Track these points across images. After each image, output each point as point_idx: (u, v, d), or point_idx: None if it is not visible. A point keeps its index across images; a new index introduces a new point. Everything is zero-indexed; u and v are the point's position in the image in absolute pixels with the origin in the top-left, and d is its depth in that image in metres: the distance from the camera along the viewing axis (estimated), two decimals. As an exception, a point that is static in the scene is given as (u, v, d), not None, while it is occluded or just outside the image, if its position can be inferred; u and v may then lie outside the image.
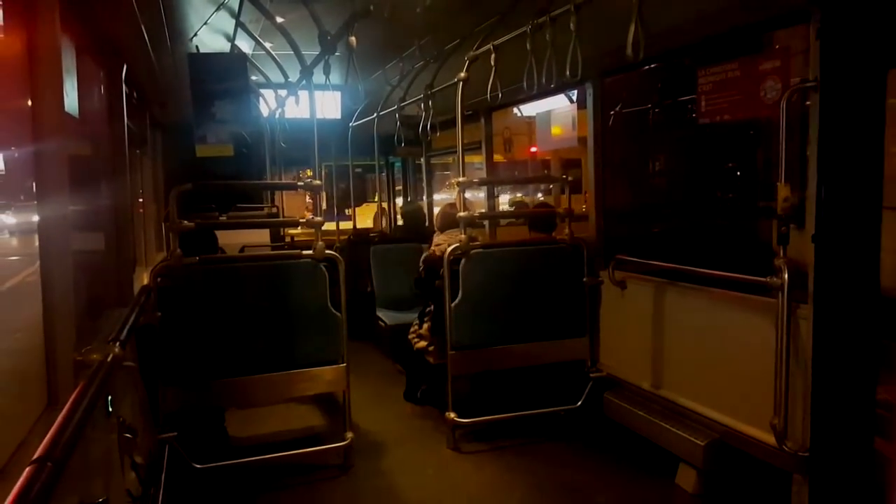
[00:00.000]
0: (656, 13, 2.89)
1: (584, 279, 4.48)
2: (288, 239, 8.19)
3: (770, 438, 2.91)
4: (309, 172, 13.24)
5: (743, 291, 3.26)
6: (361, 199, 10.43)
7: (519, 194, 13.08)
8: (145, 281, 3.66)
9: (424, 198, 8.74)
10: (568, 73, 3.35)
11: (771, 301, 2.90)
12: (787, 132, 2.74)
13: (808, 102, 2.72)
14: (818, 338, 2.68)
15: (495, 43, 4.00)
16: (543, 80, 3.59)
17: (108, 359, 1.98)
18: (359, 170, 9.32)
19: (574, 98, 5.22)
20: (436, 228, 5.41)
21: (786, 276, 2.76)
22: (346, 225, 7.98)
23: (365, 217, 9.97)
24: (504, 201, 11.09)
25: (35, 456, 1.32)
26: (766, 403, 2.90)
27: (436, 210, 7.14)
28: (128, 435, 2.34)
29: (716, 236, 4.77)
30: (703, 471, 3.46)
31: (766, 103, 3.10)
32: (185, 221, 3.58)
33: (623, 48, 2.85)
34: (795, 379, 2.83)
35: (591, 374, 4.44)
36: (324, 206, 9.85)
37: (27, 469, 1.26)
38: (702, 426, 3.52)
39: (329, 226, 8.91)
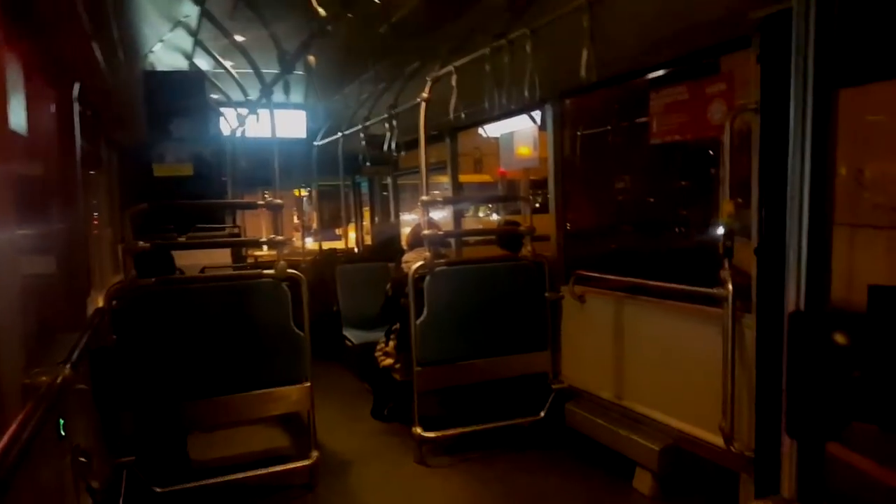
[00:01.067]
0: (608, 38, 3.00)
1: (546, 294, 4.55)
2: (251, 259, 8.12)
3: (719, 441, 3.04)
4: (299, 192, 13.21)
5: (693, 302, 3.38)
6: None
7: (509, 216, 13.29)
8: (100, 304, 3.61)
9: (392, 217, 8.77)
10: (527, 93, 3.43)
11: (719, 311, 3.03)
12: (732, 152, 2.85)
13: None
14: (761, 345, 2.80)
15: (456, 65, 4.08)
16: (504, 100, 3.68)
17: (58, 381, 1.96)
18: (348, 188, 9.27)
19: (537, 119, 5.32)
20: (405, 246, 5.44)
21: (730, 287, 2.89)
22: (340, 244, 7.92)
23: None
24: (496, 220, 11.21)
25: None
26: (715, 408, 3.01)
27: (405, 230, 7.17)
28: (82, 459, 2.30)
29: (673, 251, 4.89)
30: (659, 474, 3.57)
31: (713, 125, 3.22)
32: (141, 242, 3.55)
33: (578, 70, 2.95)
34: (741, 384, 2.96)
35: (554, 386, 4.52)
36: (314, 225, 9.83)
37: None
38: (657, 432, 3.64)
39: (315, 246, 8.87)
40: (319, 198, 9.45)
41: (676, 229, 5.24)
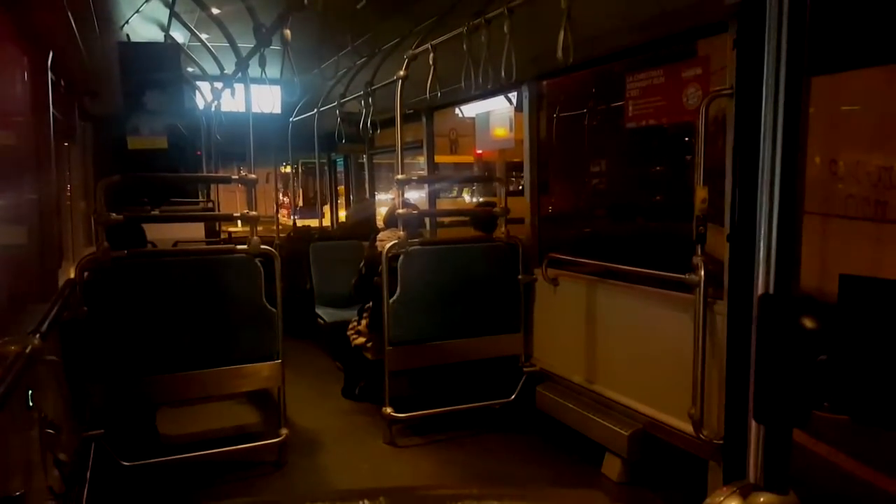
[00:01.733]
0: (585, 20, 3.00)
1: (519, 276, 4.58)
2: (225, 235, 8.05)
3: (688, 428, 3.07)
4: (285, 168, 13.09)
5: (666, 288, 3.41)
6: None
7: (483, 198, 13.31)
8: (72, 276, 3.56)
9: (367, 196, 8.74)
10: (504, 74, 3.43)
11: (691, 297, 3.05)
12: (706, 137, 2.89)
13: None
14: (732, 331, 2.83)
15: (433, 43, 4.06)
16: (481, 80, 3.67)
17: (27, 350, 1.94)
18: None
19: (513, 100, 5.32)
20: (381, 225, 5.43)
21: (702, 273, 2.91)
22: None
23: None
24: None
25: None
26: (685, 395, 3.05)
27: (381, 209, 7.15)
28: (50, 431, 2.29)
29: (648, 237, 4.95)
30: (628, 460, 3.61)
31: (688, 109, 3.25)
32: (114, 214, 3.50)
33: (554, 52, 2.95)
34: (711, 371, 2.99)
35: (525, 369, 4.55)
36: (300, 202, 9.75)
37: None
38: (627, 417, 3.68)
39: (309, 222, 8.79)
40: (305, 175, 9.40)
41: (650, 214, 5.29)
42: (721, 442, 2.94)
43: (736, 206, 2.70)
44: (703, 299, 2.94)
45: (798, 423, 0.96)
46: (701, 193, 2.84)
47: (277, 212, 9.58)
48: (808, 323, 0.92)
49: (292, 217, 9.54)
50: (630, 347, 3.74)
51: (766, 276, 0.96)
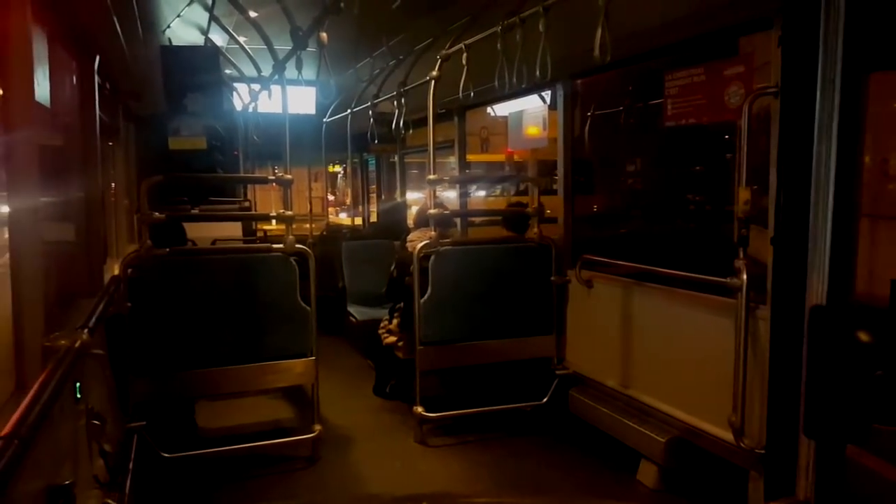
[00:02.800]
0: (623, 17, 2.97)
1: (552, 278, 4.55)
2: (261, 234, 8.15)
3: (728, 435, 2.98)
4: (332, 167, 13.33)
5: (705, 292, 3.33)
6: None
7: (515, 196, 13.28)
8: (116, 272, 3.66)
9: (398, 196, 8.77)
10: (538, 73, 3.41)
11: (732, 301, 2.97)
12: (749, 136, 2.83)
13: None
14: (775, 338, 2.75)
15: (467, 42, 4.06)
16: (514, 80, 3.66)
17: (76, 345, 1.99)
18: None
19: (547, 98, 5.29)
20: (411, 225, 5.45)
21: (744, 276, 2.82)
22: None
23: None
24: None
25: (2, 433, 1.34)
26: (725, 401, 2.96)
27: (412, 209, 7.18)
28: (96, 422, 2.35)
29: (687, 238, 4.88)
30: (664, 467, 3.54)
31: (730, 108, 3.19)
32: (156, 213, 3.59)
33: (591, 50, 2.93)
34: (753, 378, 2.90)
35: (557, 372, 4.51)
36: (347, 201, 9.85)
37: None
38: (663, 423, 3.61)
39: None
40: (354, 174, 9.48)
41: (688, 215, 5.22)
42: (762, 451, 2.84)
43: (781, 208, 2.64)
44: (745, 304, 2.85)
45: (854, 439, 0.94)
46: (743, 194, 2.77)
47: (339, 212, 9.65)
48: (864, 336, 0.90)
49: (339, 216, 9.59)
50: (667, 352, 3.67)
51: (819, 286, 0.94)
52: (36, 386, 1.64)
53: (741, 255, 2.86)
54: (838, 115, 1.00)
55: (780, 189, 2.67)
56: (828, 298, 0.96)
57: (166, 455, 3.63)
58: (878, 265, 2.40)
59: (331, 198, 14.88)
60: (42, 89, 2.14)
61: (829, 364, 0.95)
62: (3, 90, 1.84)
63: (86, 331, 2.15)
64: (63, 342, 1.98)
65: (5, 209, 1.87)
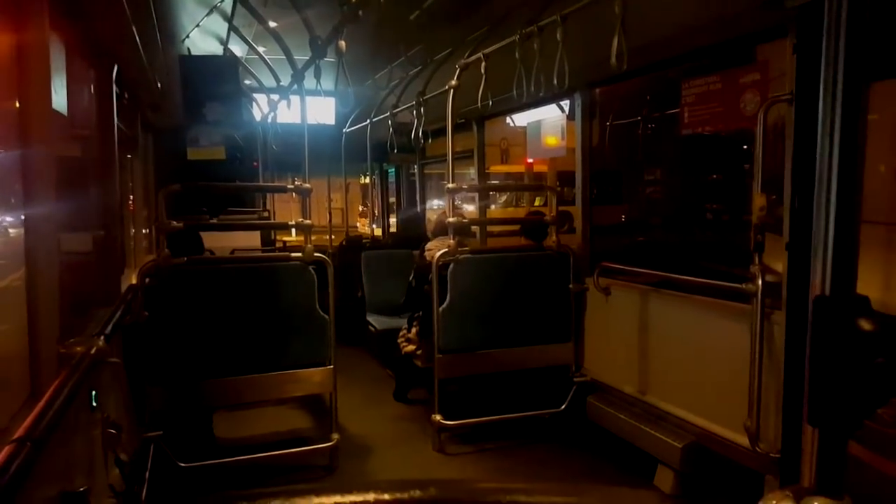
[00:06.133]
0: (639, 26, 2.96)
1: (570, 286, 4.54)
2: (280, 244, 8.22)
3: (744, 440, 2.99)
4: (363, 178, 13.52)
5: (722, 298, 3.32)
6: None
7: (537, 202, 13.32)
8: (134, 282, 3.70)
9: (418, 205, 8.80)
10: (556, 82, 3.41)
11: (747, 307, 2.97)
12: (764, 144, 2.81)
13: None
14: (790, 343, 2.74)
15: (485, 52, 4.07)
16: (532, 89, 3.66)
17: (92, 351, 2.02)
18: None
19: (566, 108, 5.28)
20: (429, 234, 5.46)
21: (760, 282, 2.82)
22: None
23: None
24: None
25: (15, 436, 1.35)
26: (741, 407, 2.96)
27: (431, 217, 7.20)
28: (112, 431, 2.37)
29: (703, 246, 4.84)
30: (681, 472, 3.53)
31: (746, 115, 3.17)
32: (174, 222, 3.62)
33: (608, 59, 2.92)
34: (768, 383, 2.90)
35: (575, 379, 4.50)
36: (376, 211, 9.93)
37: (7, 447, 1.29)
38: (680, 429, 3.60)
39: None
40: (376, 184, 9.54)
41: (706, 224, 5.18)
42: (778, 455, 2.86)
43: (795, 214, 2.62)
44: (760, 309, 2.85)
45: (853, 426, 0.93)
46: (759, 201, 2.76)
47: (371, 222, 9.72)
48: (865, 325, 0.89)
49: (372, 228, 9.67)
50: (684, 358, 3.65)
51: (822, 277, 0.93)
52: (50, 391, 1.66)
53: (756, 260, 2.85)
54: (839, 122, 0.99)
55: (794, 195, 2.65)
56: (830, 291, 0.95)
57: (183, 465, 3.64)
58: (894, 273, 2.36)
59: (363, 208, 15.11)
60: (59, 98, 2.18)
61: (831, 352, 0.94)
62: (20, 97, 1.87)
63: (101, 338, 2.18)
64: (78, 349, 2.00)
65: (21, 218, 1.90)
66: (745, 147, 4.42)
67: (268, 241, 7.96)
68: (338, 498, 0.69)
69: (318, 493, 0.69)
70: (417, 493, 0.70)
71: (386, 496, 0.70)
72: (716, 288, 3.35)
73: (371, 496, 0.70)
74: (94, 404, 2.22)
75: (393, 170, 9.79)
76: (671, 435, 3.58)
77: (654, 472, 3.69)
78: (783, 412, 2.81)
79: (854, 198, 0.99)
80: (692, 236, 5.13)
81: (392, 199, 10.00)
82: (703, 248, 4.81)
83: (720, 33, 3.21)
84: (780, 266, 2.89)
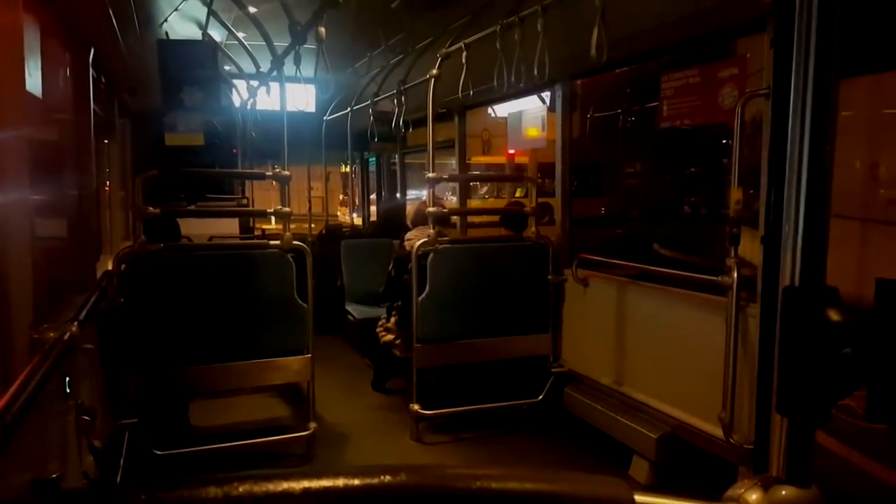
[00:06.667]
0: (619, 18, 2.98)
1: (549, 277, 4.56)
2: (258, 231, 8.17)
3: (718, 432, 3.02)
4: (343, 167, 13.37)
5: (698, 290, 3.36)
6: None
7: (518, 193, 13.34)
8: (110, 268, 3.65)
9: (398, 195, 8.78)
10: (536, 73, 3.42)
11: (723, 300, 3.00)
12: (742, 138, 2.84)
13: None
14: (765, 335, 2.78)
15: (467, 41, 4.06)
16: (513, 79, 3.66)
17: (66, 337, 1.99)
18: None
19: (547, 100, 5.30)
20: (409, 224, 5.46)
21: (735, 275, 2.86)
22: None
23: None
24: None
25: None
26: (716, 398, 3.00)
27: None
28: (86, 418, 2.35)
29: (680, 239, 4.89)
30: (656, 463, 3.57)
31: (724, 109, 3.20)
32: (151, 208, 3.58)
33: (588, 51, 2.94)
34: (743, 375, 2.94)
35: (553, 369, 4.53)
36: (356, 200, 9.86)
37: None
38: (656, 420, 3.64)
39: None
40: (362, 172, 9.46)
41: (684, 216, 5.24)
42: (751, 446, 2.89)
43: (771, 208, 2.65)
44: (735, 302, 2.89)
45: (820, 415, 0.95)
46: (735, 195, 2.80)
47: (352, 211, 9.65)
48: (834, 315, 0.91)
49: (351, 215, 9.62)
50: (660, 349, 3.70)
51: (792, 268, 0.95)
52: (22, 376, 1.64)
53: (732, 253, 2.88)
54: (810, 118, 1.01)
55: (770, 189, 2.69)
56: (800, 281, 0.97)
57: (158, 452, 3.62)
58: (868, 267, 2.41)
59: (343, 197, 14.99)
60: (34, 81, 2.14)
61: (798, 342, 0.96)
62: None
63: (75, 324, 2.15)
64: (52, 335, 1.98)
65: None
66: (724, 141, 4.47)
67: (246, 229, 7.90)
68: (306, 483, 0.69)
69: (288, 478, 0.69)
70: (387, 479, 0.70)
71: (356, 482, 0.70)
72: (692, 280, 3.38)
73: (341, 481, 0.70)
74: (68, 391, 2.20)
75: (374, 159, 9.75)
76: (647, 426, 3.62)
77: (630, 463, 3.74)
78: (757, 404, 2.85)
79: (823, 191, 1.01)
80: (670, 229, 5.18)
81: (373, 190, 9.96)
82: (680, 241, 4.87)
83: (699, 27, 3.23)
84: (754, 258, 2.93)
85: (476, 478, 0.75)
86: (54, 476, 1.82)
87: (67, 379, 2.17)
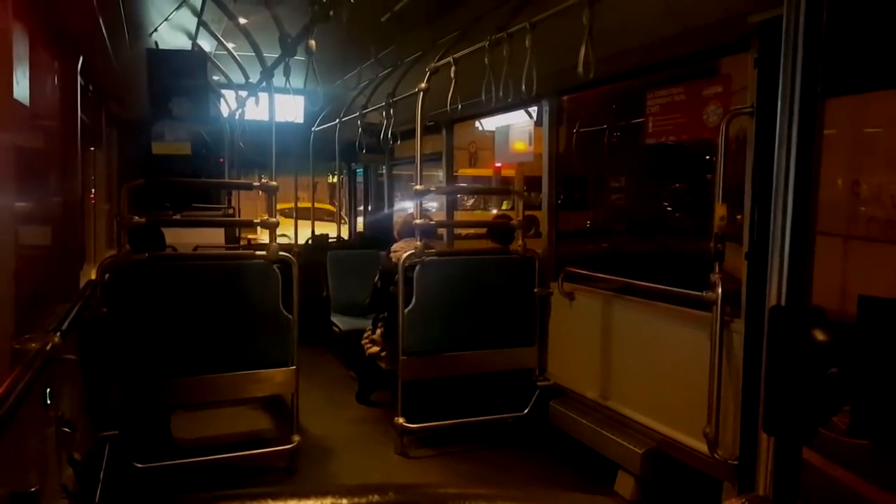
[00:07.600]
0: (606, 36, 3.01)
1: (535, 290, 4.57)
2: (244, 241, 8.13)
3: (703, 447, 3.03)
4: (331, 177, 13.32)
5: (683, 305, 3.38)
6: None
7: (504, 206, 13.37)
8: (93, 277, 3.62)
9: (385, 207, 8.78)
10: (524, 88, 3.44)
11: (708, 315, 3.02)
12: (726, 155, 2.88)
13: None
14: (749, 350, 2.80)
15: (455, 56, 4.09)
16: (501, 94, 3.69)
17: (47, 348, 1.97)
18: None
19: (534, 114, 5.33)
20: (396, 235, 5.46)
21: (719, 290, 2.89)
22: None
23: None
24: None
25: None
26: (700, 413, 3.01)
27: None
28: (66, 430, 2.32)
29: (665, 254, 4.92)
30: (641, 478, 3.56)
31: (708, 127, 3.25)
32: (136, 217, 3.55)
33: (575, 67, 2.96)
34: (727, 390, 2.95)
35: (539, 383, 4.53)
36: (343, 211, 9.82)
37: None
38: (641, 435, 3.64)
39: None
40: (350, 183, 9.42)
41: (669, 231, 5.28)
42: (736, 462, 2.89)
43: (755, 224, 2.69)
44: (719, 317, 2.91)
45: (807, 434, 0.96)
46: (720, 211, 2.83)
47: (339, 222, 9.60)
48: (820, 335, 0.92)
49: (338, 228, 9.59)
50: (645, 364, 3.70)
51: (779, 288, 0.96)
52: (2, 388, 1.62)
53: (716, 269, 2.91)
54: (797, 136, 1.03)
55: (753, 206, 2.72)
56: (786, 301, 0.98)
57: (139, 465, 3.56)
58: (850, 283, 2.44)
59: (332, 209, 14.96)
60: (21, 88, 2.12)
61: (785, 362, 0.97)
62: None
63: (57, 334, 2.13)
64: (33, 345, 1.95)
65: None
66: (707, 157, 4.52)
67: (232, 239, 7.86)
68: (294, 502, 0.69)
69: (275, 496, 0.69)
70: (376, 498, 0.70)
71: (344, 501, 0.70)
72: (677, 295, 3.41)
73: (328, 501, 0.70)
74: (48, 402, 2.17)
75: (361, 170, 9.75)
76: (632, 441, 3.62)
77: (615, 478, 3.72)
78: (741, 420, 2.86)
79: (809, 210, 1.02)
80: (655, 242, 5.22)
81: (360, 202, 9.95)
82: (664, 255, 4.90)
83: (685, 45, 3.27)
84: (739, 273, 2.96)
85: (466, 497, 0.74)
86: (33, 489, 1.79)
87: (48, 390, 2.14)
